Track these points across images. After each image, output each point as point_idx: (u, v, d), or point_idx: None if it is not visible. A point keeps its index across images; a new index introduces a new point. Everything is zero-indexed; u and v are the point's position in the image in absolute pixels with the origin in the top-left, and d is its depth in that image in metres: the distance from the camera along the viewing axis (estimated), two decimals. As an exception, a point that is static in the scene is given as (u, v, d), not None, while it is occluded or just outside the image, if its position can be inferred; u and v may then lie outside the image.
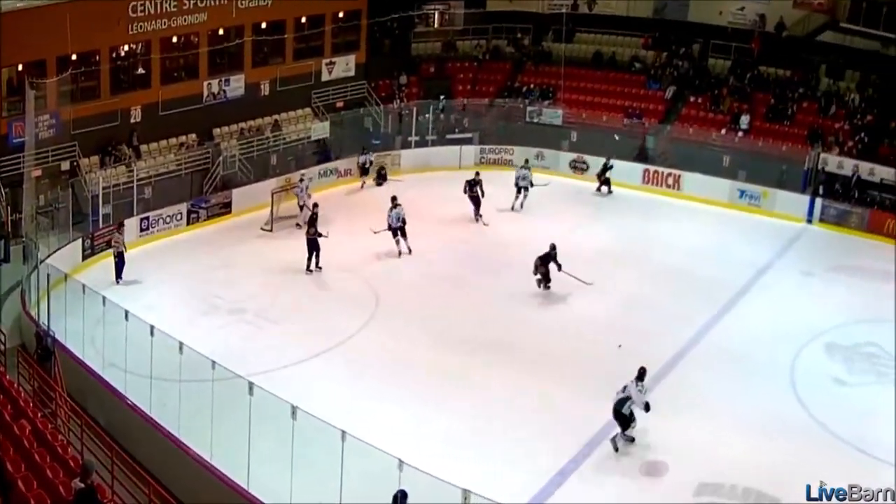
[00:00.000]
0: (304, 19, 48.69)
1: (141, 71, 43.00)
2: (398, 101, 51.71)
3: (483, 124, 51.92)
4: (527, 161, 42.28)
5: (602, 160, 47.09)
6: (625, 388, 24.98)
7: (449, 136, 50.68)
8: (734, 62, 53.78)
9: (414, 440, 23.35)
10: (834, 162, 47.39)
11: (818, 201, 45.98)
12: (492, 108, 52.65)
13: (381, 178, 46.66)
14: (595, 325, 32.53)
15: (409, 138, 49.89)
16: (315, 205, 36.74)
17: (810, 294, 36.67)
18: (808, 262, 40.54)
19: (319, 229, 35.90)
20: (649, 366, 28.33)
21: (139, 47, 42.70)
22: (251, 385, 20.59)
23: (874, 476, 24.11)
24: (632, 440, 25.20)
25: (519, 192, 42.30)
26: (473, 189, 41.07)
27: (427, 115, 50.32)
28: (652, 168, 48.54)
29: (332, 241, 36.64)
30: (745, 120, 50.29)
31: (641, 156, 49.33)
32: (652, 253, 39.10)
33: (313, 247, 35.66)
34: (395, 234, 36.28)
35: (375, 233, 35.79)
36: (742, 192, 46.99)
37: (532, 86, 54.07)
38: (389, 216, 35.99)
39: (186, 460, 22.12)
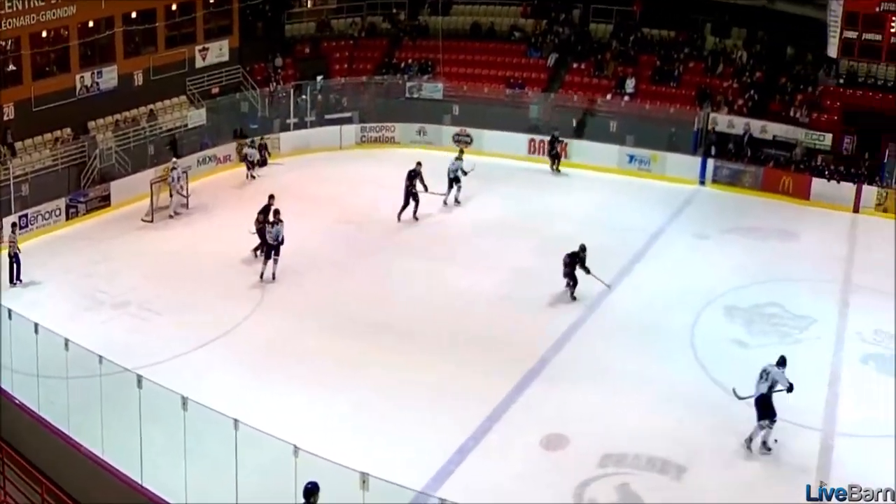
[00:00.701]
0: (174, 6, 48.10)
1: (12, 67, 42.13)
2: (274, 83, 51.23)
3: (362, 103, 51.79)
4: (461, 152, 41.73)
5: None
6: (766, 373, 25.01)
7: (328, 117, 50.49)
8: (616, 26, 54.34)
9: (309, 426, 23.16)
10: (724, 121, 48.34)
11: (710, 162, 46.91)
12: (370, 85, 52.57)
13: (262, 157, 46.54)
14: (486, 300, 32.63)
15: (288, 121, 49.63)
16: (271, 196, 36.28)
17: (706, 257, 37.18)
18: (702, 224, 41.14)
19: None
20: (546, 338, 29.40)
21: (8, 44, 41.90)
22: (139, 378, 20.12)
23: (778, 437, 24.89)
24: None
25: (451, 185, 41.37)
26: (413, 182, 39.38)
27: (304, 97, 50.16)
28: (538, 137, 48.95)
29: (215, 229, 37.02)
30: (630, 84, 50.80)
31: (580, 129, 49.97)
32: (542, 224, 39.36)
33: (262, 234, 35.27)
34: (267, 255, 33.93)
35: (252, 233, 34.86)
36: (631, 157, 47.69)
37: (410, 61, 54.19)
38: (269, 232, 33.70)
39: (78, 457, 21.60)
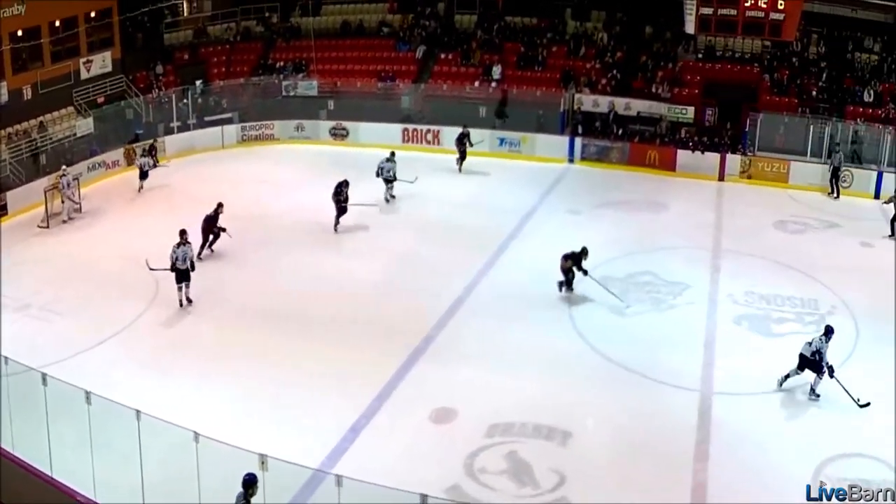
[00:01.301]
0: (57, 22, 47.03)
1: None
2: (157, 90, 50.36)
3: (241, 103, 51.31)
4: (392, 154, 40.84)
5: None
6: (812, 342, 25.51)
7: (209, 119, 49.88)
8: (480, 16, 54.58)
9: (208, 413, 22.68)
10: (589, 101, 48.71)
11: (577, 141, 47.23)
12: (248, 86, 52.17)
13: (153, 159, 45.52)
14: (371, 285, 32.23)
15: (171, 124, 48.75)
16: (220, 204, 35.25)
17: (579, 232, 36.65)
18: (573, 201, 41.19)
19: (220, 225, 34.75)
20: (429, 317, 29.14)
21: None
22: (44, 376, 19.65)
23: (659, 399, 25.27)
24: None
25: (387, 183, 40.50)
26: (341, 194, 37.45)
27: (186, 101, 49.48)
28: (411, 126, 49.14)
29: (108, 232, 36.45)
30: (497, 70, 50.92)
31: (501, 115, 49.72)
32: (419, 209, 39.10)
33: (215, 235, 34.66)
34: (179, 279, 30.77)
35: (152, 269, 31.80)
36: (502, 140, 47.84)
37: (285, 61, 53.85)
38: (174, 253, 30.42)
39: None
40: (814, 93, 48.86)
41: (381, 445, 22.71)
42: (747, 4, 36.50)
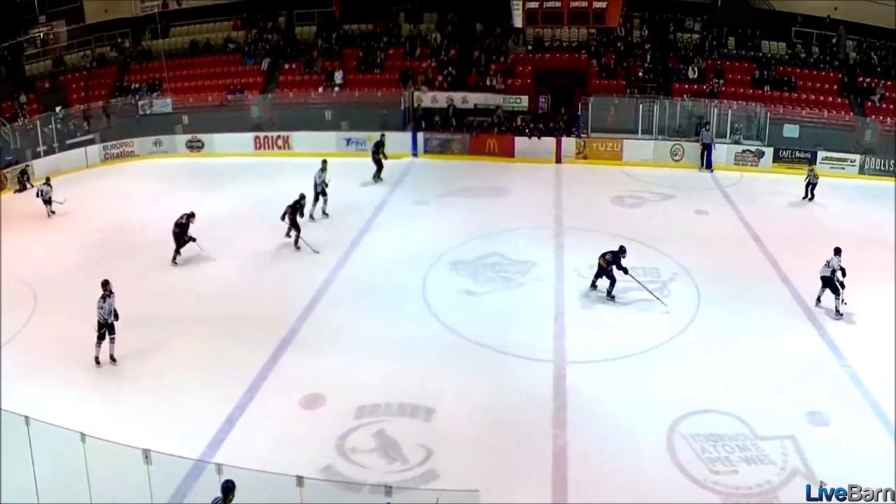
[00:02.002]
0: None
1: None
2: (22, 118, 49.42)
3: (101, 125, 50.46)
4: (324, 162, 39.32)
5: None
6: (829, 262, 28.62)
7: (72, 141, 48.90)
8: (319, 26, 54.66)
9: (97, 416, 22.20)
10: (428, 98, 48.96)
11: (420, 136, 47.41)
12: (107, 108, 51.36)
13: (22, 184, 44.59)
14: (236, 283, 31.75)
15: (38, 149, 47.69)
16: (191, 213, 33.67)
17: (428, 221, 37.06)
18: (420, 192, 41.13)
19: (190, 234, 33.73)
20: (290, 310, 28.72)
21: None
22: None
23: (515, 372, 25.18)
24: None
25: (317, 197, 38.59)
26: (295, 212, 35.36)
27: (50, 126, 48.56)
28: (262, 134, 48.94)
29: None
30: (338, 76, 50.83)
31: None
32: (272, 211, 38.37)
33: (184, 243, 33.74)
34: (102, 335, 26.81)
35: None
36: (348, 140, 47.79)
37: (139, 83, 53.17)
38: (101, 309, 26.70)
39: None
40: (640, 74, 50.22)
41: (256, 433, 22.38)
42: (570, -4, 36.55)
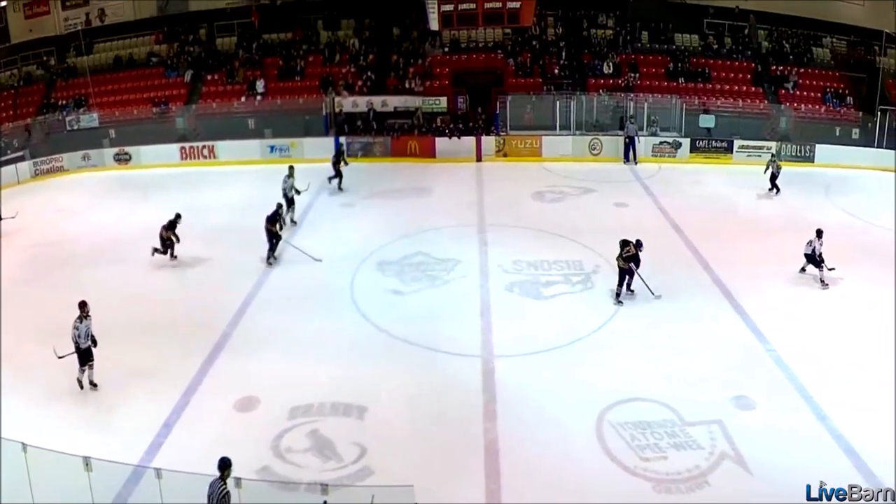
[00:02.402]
0: None
1: None
2: (-49, 138, 48.94)
3: (31, 141, 49.66)
4: (290, 168, 38.55)
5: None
6: (810, 242, 30.47)
7: (2, 159, 48.01)
8: (239, 36, 54.18)
9: (35, 425, 21.75)
10: (349, 102, 48.57)
11: (342, 140, 46.86)
12: (35, 125, 50.44)
13: None
14: (167, 290, 31.39)
15: (-31, 169, 47.26)
16: (178, 215, 33.92)
17: (354, 222, 36.82)
18: (345, 195, 40.81)
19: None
20: (222, 315, 28.44)
21: None
22: None
23: (445, 368, 25.07)
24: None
25: (289, 204, 37.73)
26: (274, 224, 34.08)
27: (-21, 146, 48.00)
28: (187, 144, 48.37)
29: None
30: (260, 84, 50.43)
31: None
32: (203, 217, 37.87)
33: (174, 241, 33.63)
34: (83, 360, 25.19)
35: (60, 357, 28.92)
36: (272, 147, 47.42)
37: (66, 99, 52.52)
38: (76, 329, 24.98)
39: None
40: (556, 71, 50.41)
41: (193, 437, 22.15)
42: (485, -3, 36.39)
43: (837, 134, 47.72)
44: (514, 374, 24.66)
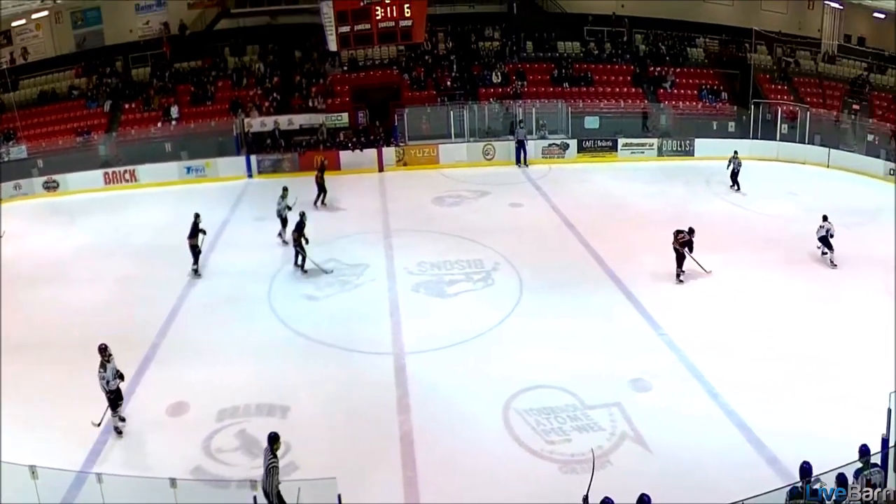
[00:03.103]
0: None
1: None
2: None
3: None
4: (284, 189, 37.57)
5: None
6: (823, 226, 31.73)
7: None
8: (153, 66, 53.43)
9: None
10: (257, 123, 48.04)
11: (253, 158, 46.66)
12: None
13: None
14: (100, 307, 30.58)
15: None
16: (196, 214, 33.71)
17: (267, 235, 36.29)
18: (257, 209, 40.30)
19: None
20: (152, 327, 28.23)
21: None
22: None
23: (359, 366, 25.16)
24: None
25: (283, 223, 36.65)
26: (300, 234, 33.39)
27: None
28: (111, 170, 47.49)
29: None
30: (174, 110, 49.79)
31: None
32: (126, 238, 37.41)
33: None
34: (115, 402, 23.20)
35: (98, 425, 27.36)
36: (189, 168, 46.70)
37: (-7, 135, 51.70)
38: (102, 378, 22.89)
39: None
40: (448, 83, 50.58)
41: (129, 442, 22.18)
42: (378, 17, 36.35)
43: (715, 128, 48.64)
44: (424, 369, 24.79)
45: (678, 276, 30.47)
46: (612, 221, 36.64)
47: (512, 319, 27.78)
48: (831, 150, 45.66)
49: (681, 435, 21.13)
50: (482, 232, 35.12)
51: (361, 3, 36.10)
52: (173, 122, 49.59)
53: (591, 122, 48.48)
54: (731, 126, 48.64)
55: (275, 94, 50.21)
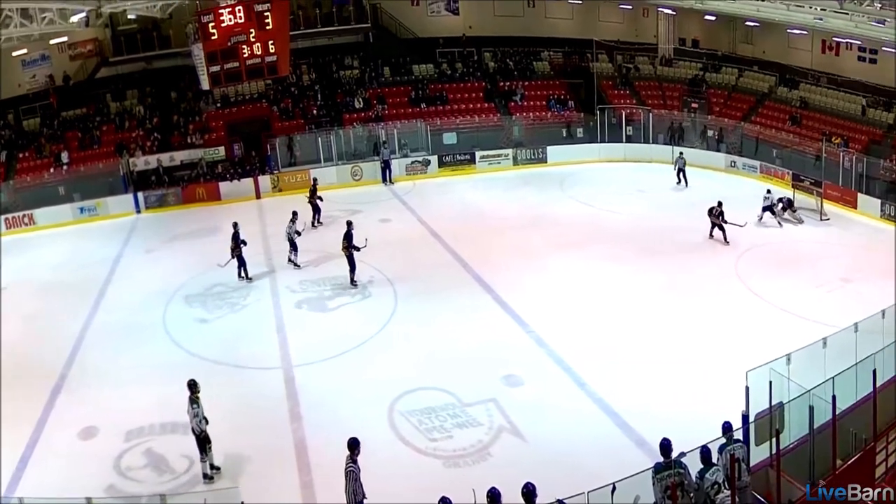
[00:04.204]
0: None
1: None
2: None
3: None
4: (294, 214, 35.61)
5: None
6: (766, 197, 35.69)
7: None
8: (42, 117, 51.87)
9: None
10: (141, 161, 47.07)
11: (140, 195, 45.58)
12: None
13: None
14: (14, 342, 29.29)
15: None
16: (235, 223, 33.79)
17: (158, 265, 35.80)
18: (148, 242, 39.53)
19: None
20: (57, 358, 27.60)
21: None
22: None
23: (251, 382, 25.10)
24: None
25: (292, 246, 35.09)
26: (350, 241, 32.16)
27: None
28: (10, 215, 45.68)
29: None
30: (65, 156, 48.36)
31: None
32: (30, 277, 36.20)
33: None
34: (205, 447, 20.96)
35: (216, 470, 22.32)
36: (82, 209, 45.39)
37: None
38: (196, 416, 20.63)
39: None
40: (315, 111, 50.33)
41: (46, 468, 21.59)
42: (245, 55, 36.07)
43: (564, 135, 49.49)
44: (312, 379, 24.75)
45: (725, 240, 33.46)
46: (475, 229, 36.83)
47: (390, 327, 27.80)
48: (674, 147, 46.49)
49: (554, 425, 21.29)
50: (356, 248, 34.69)
51: (229, 44, 35.73)
52: (64, 167, 48.27)
53: (450, 139, 48.74)
54: (580, 132, 49.43)
55: (156, 134, 49.31)
